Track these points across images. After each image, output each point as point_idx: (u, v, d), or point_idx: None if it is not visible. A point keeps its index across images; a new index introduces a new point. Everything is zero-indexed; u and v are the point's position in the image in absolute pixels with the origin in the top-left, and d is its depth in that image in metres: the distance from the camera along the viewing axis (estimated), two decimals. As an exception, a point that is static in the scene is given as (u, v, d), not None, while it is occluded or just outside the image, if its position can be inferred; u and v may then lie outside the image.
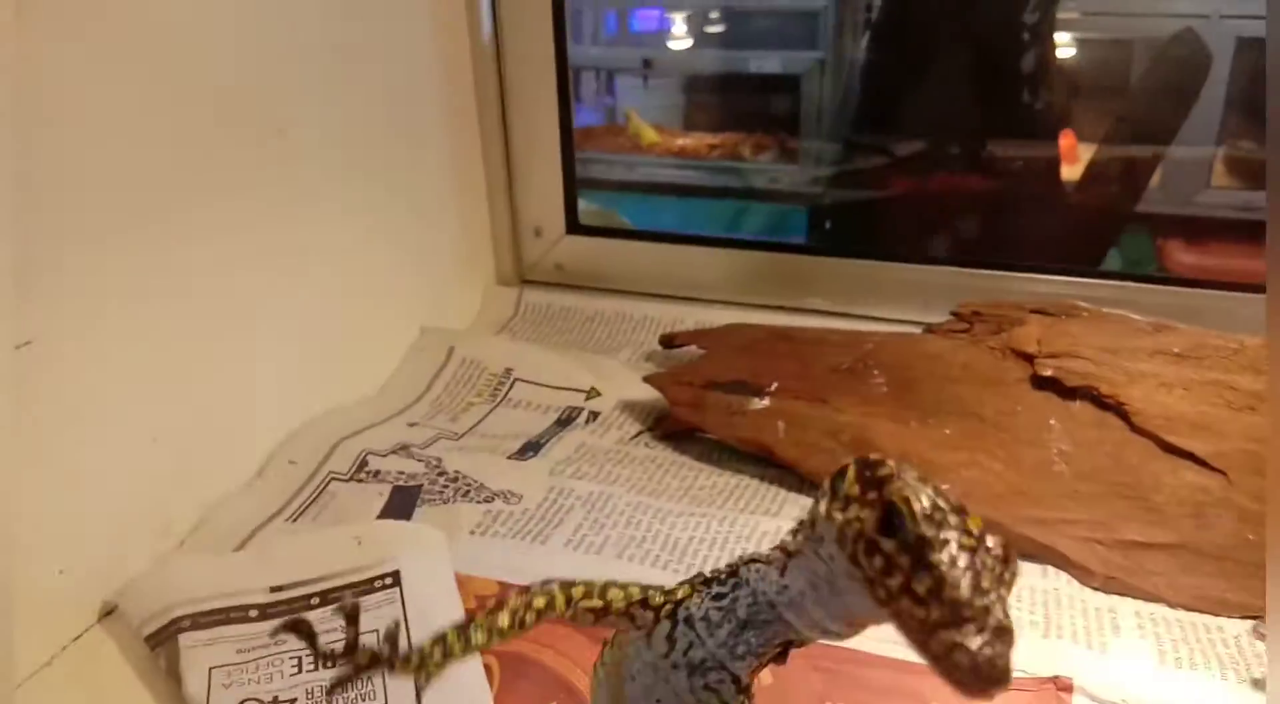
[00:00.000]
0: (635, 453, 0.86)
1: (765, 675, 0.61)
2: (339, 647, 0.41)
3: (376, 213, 0.95)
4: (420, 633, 0.61)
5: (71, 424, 0.64)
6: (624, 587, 0.43)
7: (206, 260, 0.74)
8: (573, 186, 1.16)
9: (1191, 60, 1.42)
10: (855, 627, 0.37)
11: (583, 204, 1.18)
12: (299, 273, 0.84)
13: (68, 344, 0.64)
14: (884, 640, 0.62)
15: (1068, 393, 0.75)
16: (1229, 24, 1.45)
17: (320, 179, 0.87)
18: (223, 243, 0.76)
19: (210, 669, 0.60)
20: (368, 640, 0.40)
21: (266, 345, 0.82)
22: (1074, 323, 0.81)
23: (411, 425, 0.91)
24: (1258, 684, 0.59)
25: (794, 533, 0.39)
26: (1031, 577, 0.69)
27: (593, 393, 0.97)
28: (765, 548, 0.71)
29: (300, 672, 0.61)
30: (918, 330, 0.91)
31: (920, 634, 0.30)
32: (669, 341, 0.97)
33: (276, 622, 0.40)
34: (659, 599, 0.42)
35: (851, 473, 0.33)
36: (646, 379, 0.91)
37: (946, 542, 0.30)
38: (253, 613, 0.64)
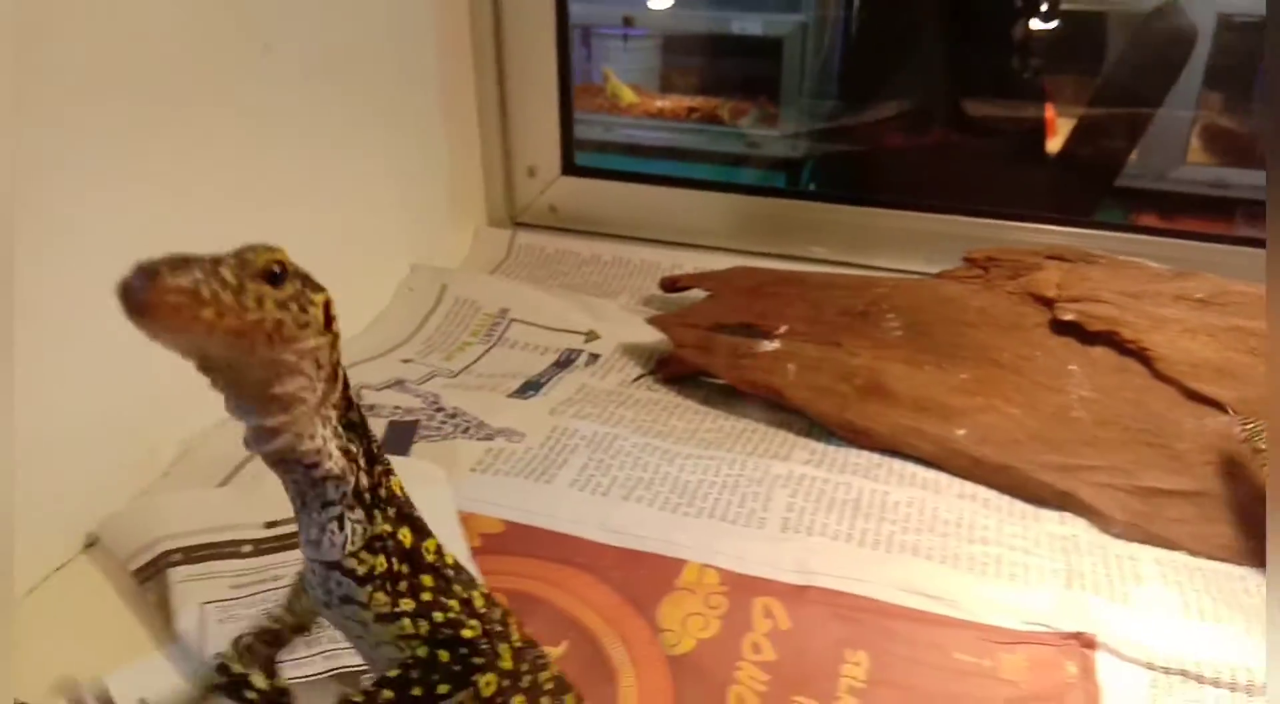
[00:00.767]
0: (638, 395, 0.84)
1: (784, 620, 0.59)
2: None
3: (364, 145, 0.91)
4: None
5: (52, 345, 0.60)
6: None
7: (188, 178, 0.70)
8: (569, 125, 1.12)
9: (1175, 35, 1.40)
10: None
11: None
12: (283, 201, 0.80)
13: (49, 259, 0.59)
14: (907, 591, 0.61)
15: (1088, 338, 0.73)
16: (1210, 0, 1.43)
17: (306, 103, 0.82)
18: (206, 159, 0.71)
19: (203, 605, 0.57)
20: None
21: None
22: (1093, 268, 0.79)
23: (405, 362, 0.87)
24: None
25: None
26: (1049, 523, 0.68)
27: (591, 336, 0.94)
28: (776, 493, 0.69)
29: (298, 606, 0.57)
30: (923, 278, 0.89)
31: None
32: (671, 285, 0.94)
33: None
34: None
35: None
36: (650, 321, 0.88)
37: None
38: (245, 548, 0.61)
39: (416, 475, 0.67)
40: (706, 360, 0.81)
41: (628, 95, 2.08)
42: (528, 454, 0.74)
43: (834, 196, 1.08)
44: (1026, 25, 1.41)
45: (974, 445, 0.71)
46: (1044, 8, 1.42)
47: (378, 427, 0.76)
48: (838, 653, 0.57)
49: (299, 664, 0.54)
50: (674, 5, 2.23)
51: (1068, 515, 0.68)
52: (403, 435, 0.75)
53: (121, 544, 0.61)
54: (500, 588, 0.60)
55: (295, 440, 0.36)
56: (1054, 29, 1.50)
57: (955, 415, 0.73)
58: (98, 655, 0.54)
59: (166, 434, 0.71)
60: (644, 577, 0.62)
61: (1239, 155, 1.49)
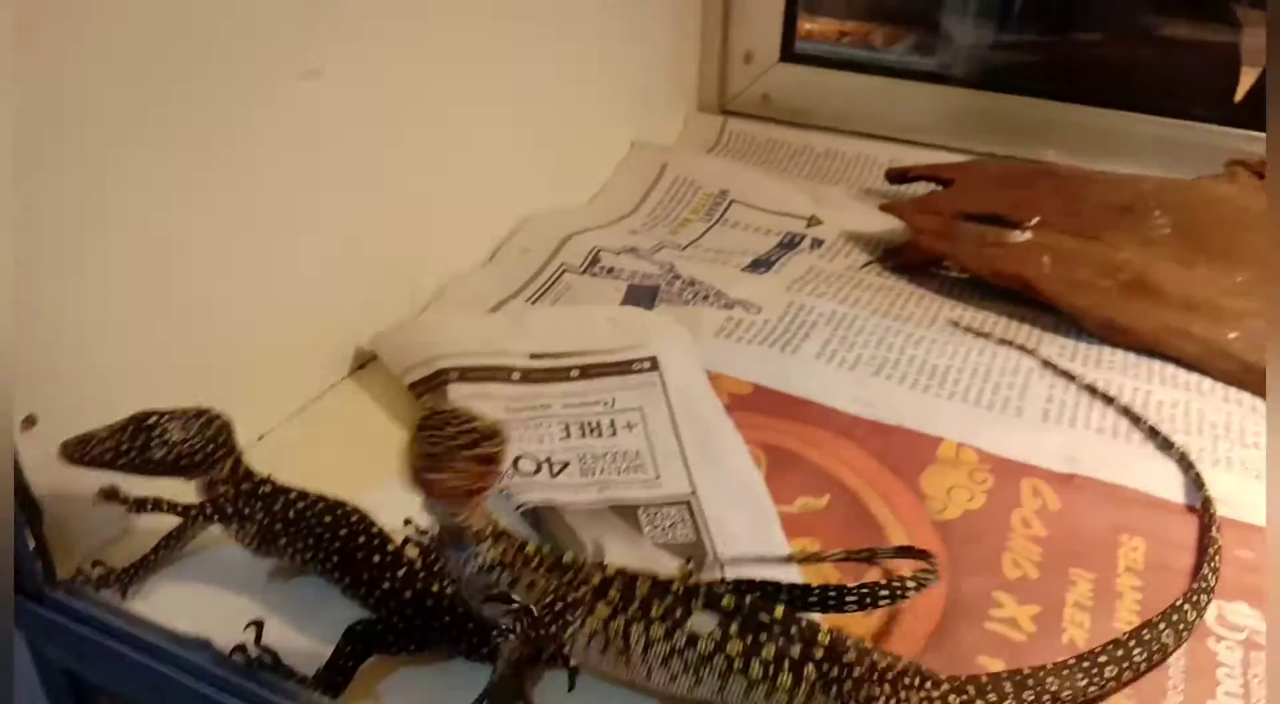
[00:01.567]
0: (869, 280, 0.82)
1: (1053, 501, 0.57)
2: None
3: (588, 23, 0.89)
4: (684, 421, 0.59)
5: (343, 169, 0.62)
6: None
7: (430, 54, 0.70)
8: (793, 9, 1.09)
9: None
10: None
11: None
12: (513, 76, 0.79)
13: (351, 82, 0.61)
14: (1179, 488, 0.57)
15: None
16: None
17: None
18: (445, 35, 0.71)
19: (481, 423, 0.59)
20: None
21: (495, 137, 0.78)
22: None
23: (633, 233, 0.87)
24: None
25: None
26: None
27: (814, 221, 0.92)
28: (1033, 384, 0.67)
29: (569, 437, 0.59)
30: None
31: None
32: (901, 175, 0.91)
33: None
34: None
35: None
36: (885, 207, 0.86)
37: None
38: (515, 375, 0.63)
39: (668, 330, 0.68)
40: (948, 248, 0.79)
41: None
42: (767, 326, 0.73)
43: (1072, 95, 1.02)
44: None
45: (1247, 350, 0.67)
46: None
47: (619, 287, 0.77)
48: (1113, 536, 0.56)
49: (577, 491, 0.55)
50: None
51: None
52: (644, 297, 0.75)
53: (399, 358, 0.63)
54: (757, 441, 0.60)
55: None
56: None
57: (1227, 318, 0.69)
58: (368, 469, 0.57)
59: (427, 274, 0.73)
60: (901, 448, 0.61)
61: None
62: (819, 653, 0.41)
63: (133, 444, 0.44)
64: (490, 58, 0.75)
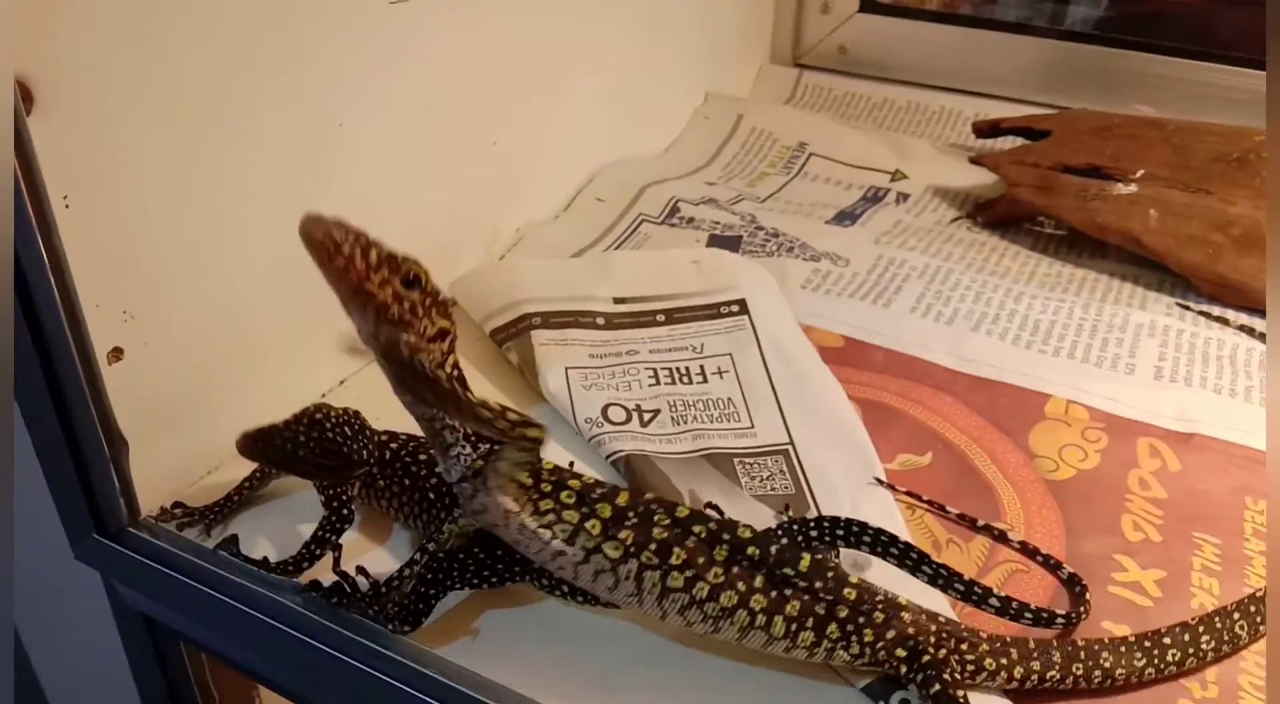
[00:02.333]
0: (960, 235, 0.78)
1: (1173, 462, 0.54)
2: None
3: None
4: (777, 367, 0.56)
5: (423, 107, 0.60)
6: None
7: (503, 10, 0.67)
8: (875, -43, 1.04)
9: None
10: None
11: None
12: (585, 27, 0.76)
13: (437, 18, 0.58)
14: None
15: None
16: None
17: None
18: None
19: (566, 369, 0.56)
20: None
21: (569, 86, 0.75)
22: None
23: (709, 184, 0.84)
24: None
25: None
26: None
27: (898, 175, 0.88)
28: (1143, 341, 0.63)
29: (658, 383, 0.57)
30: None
31: None
32: (990, 128, 0.87)
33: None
34: None
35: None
36: (976, 159, 0.82)
37: None
38: (599, 320, 0.60)
39: (755, 273, 0.65)
40: (1047, 201, 0.75)
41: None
42: (856, 278, 0.70)
43: (1169, 48, 0.97)
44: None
45: (1375, 311, 0.63)
46: None
47: (699, 238, 0.74)
48: (1238, 498, 0.52)
49: (670, 440, 0.53)
50: None
51: None
52: (726, 248, 0.72)
53: (480, 304, 0.61)
54: (851, 395, 0.57)
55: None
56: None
57: (1352, 276, 0.64)
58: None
59: (505, 221, 0.71)
60: (1006, 404, 0.58)
61: None
62: (843, 611, 0.39)
63: (309, 437, 0.43)
64: (568, 5, 0.72)
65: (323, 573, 0.44)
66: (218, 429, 0.51)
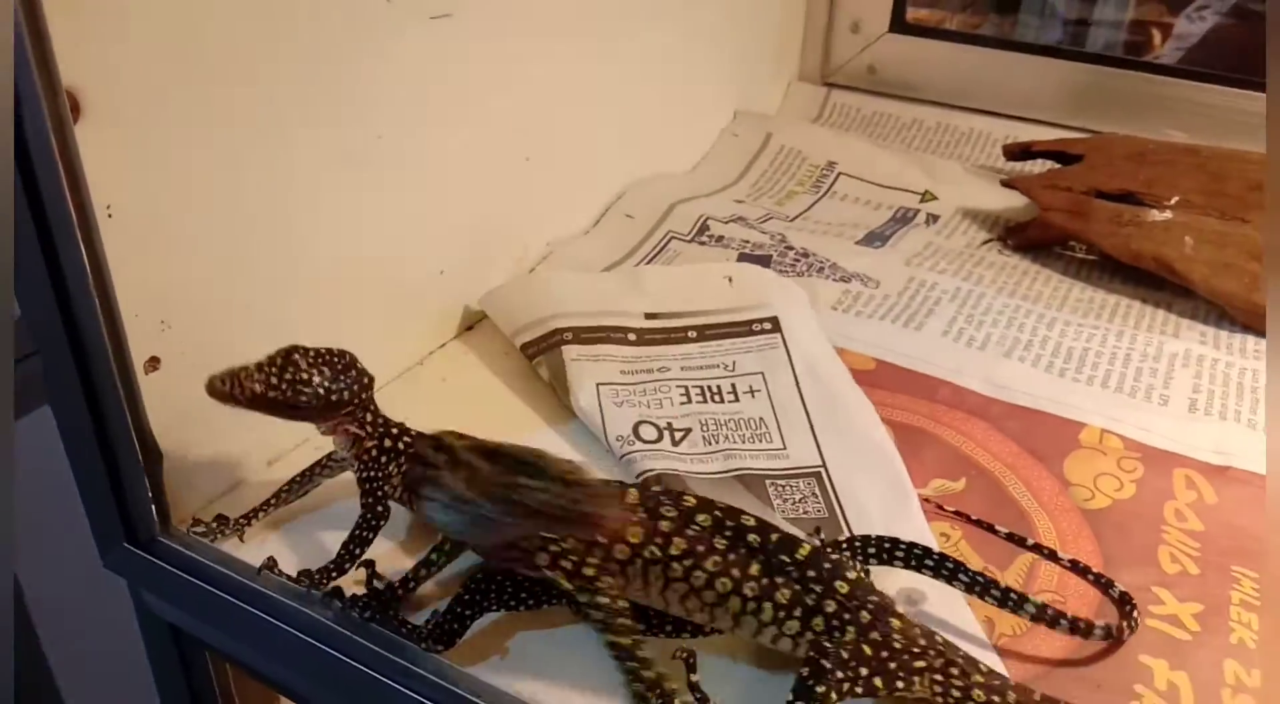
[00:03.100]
0: (990, 258, 0.78)
1: (1209, 494, 0.53)
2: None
3: None
4: (809, 387, 0.56)
5: (457, 122, 0.60)
6: None
7: (561, 19, 0.67)
8: (906, -23, 1.04)
9: None
10: None
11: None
12: (616, 42, 0.76)
13: (472, 36, 0.59)
14: None
15: None
16: None
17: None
18: (572, 7, 0.69)
19: (598, 385, 0.56)
20: None
21: (600, 102, 0.75)
22: None
23: (738, 202, 0.84)
24: None
25: None
26: None
27: (927, 196, 0.88)
28: (1177, 372, 0.62)
29: (689, 401, 0.56)
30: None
31: None
32: (1022, 151, 0.87)
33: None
34: None
35: None
36: (1008, 182, 0.82)
37: None
38: (630, 336, 0.60)
39: (788, 290, 0.65)
40: (1080, 226, 0.75)
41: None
42: (886, 300, 0.70)
43: (1201, 74, 0.96)
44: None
45: None
46: None
47: (729, 256, 0.74)
48: (1276, 533, 0.51)
49: (701, 460, 0.53)
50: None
51: None
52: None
53: (511, 317, 0.61)
54: (887, 420, 0.57)
55: None
56: None
57: (1393, 309, 0.63)
58: (477, 430, 0.55)
59: (535, 236, 0.71)
60: (1041, 432, 0.58)
61: None
62: (830, 605, 0.38)
63: (281, 378, 0.42)
64: (599, 23, 0.72)
65: (346, 584, 0.44)
66: (248, 441, 0.51)
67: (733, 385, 0.57)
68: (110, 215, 0.41)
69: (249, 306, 0.50)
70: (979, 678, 0.39)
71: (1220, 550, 0.50)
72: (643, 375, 0.58)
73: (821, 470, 0.52)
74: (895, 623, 0.39)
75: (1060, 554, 0.48)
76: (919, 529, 0.49)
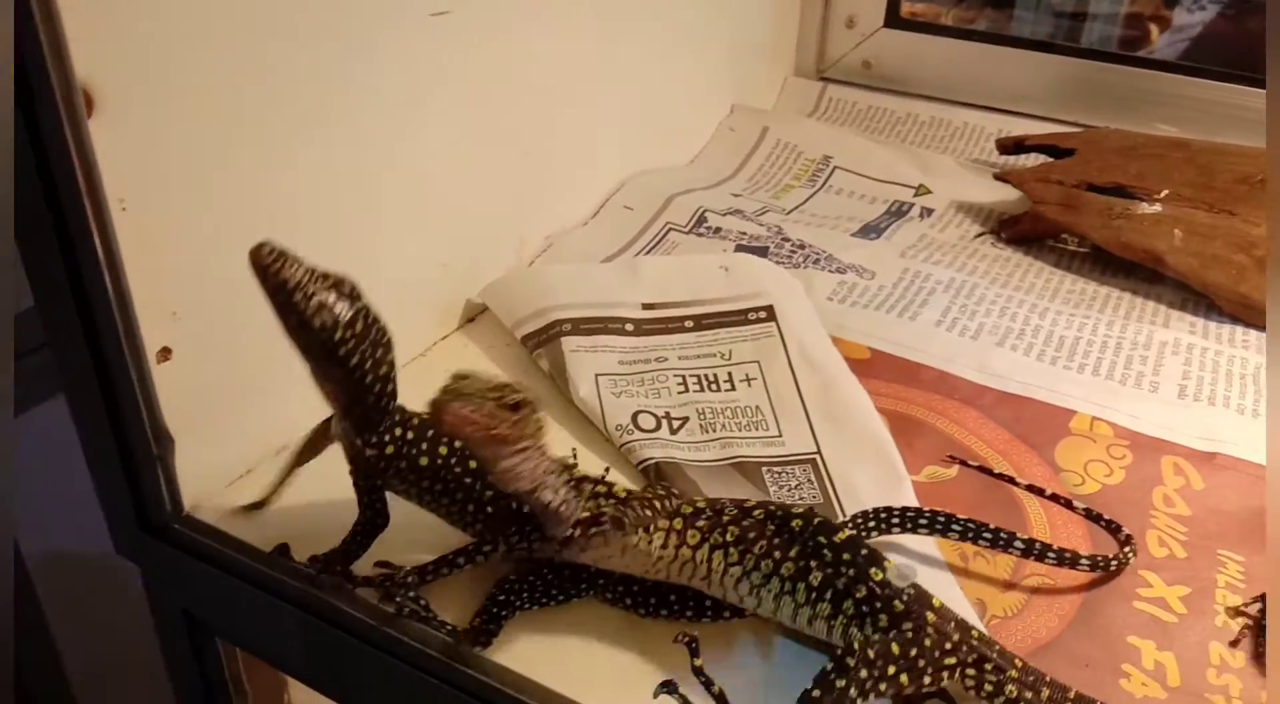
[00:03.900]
0: (985, 251, 0.79)
1: (1196, 480, 0.54)
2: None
3: None
4: (805, 375, 0.57)
5: (456, 116, 0.61)
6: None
7: (560, 13, 0.68)
8: (901, -28, 1.05)
9: None
10: None
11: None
12: (615, 36, 0.77)
13: (471, 32, 0.60)
14: None
15: None
16: None
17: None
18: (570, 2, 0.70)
19: (597, 376, 0.57)
20: None
21: (598, 96, 0.75)
22: None
23: (735, 195, 0.85)
24: None
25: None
26: None
27: (922, 190, 0.89)
28: (1167, 359, 0.64)
29: (686, 391, 0.57)
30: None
31: None
32: (1014, 145, 0.88)
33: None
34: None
35: None
36: (1001, 176, 0.83)
37: None
38: (628, 326, 0.61)
39: (784, 280, 0.66)
40: (1071, 219, 0.76)
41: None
42: (882, 291, 0.71)
43: (1192, 69, 0.98)
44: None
45: (1399, 334, 0.63)
46: None
47: (726, 248, 0.75)
48: (1261, 518, 0.53)
49: (698, 448, 0.54)
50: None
51: None
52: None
53: (511, 310, 0.62)
54: (881, 409, 0.58)
55: None
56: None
57: (1378, 300, 0.65)
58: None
59: (534, 228, 0.72)
60: (1032, 419, 0.59)
61: None
62: (861, 591, 0.40)
63: (321, 287, 0.40)
64: (597, 19, 0.73)
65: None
66: (258, 429, 0.52)
67: (729, 374, 0.58)
68: (124, 209, 0.42)
69: (257, 298, 0.50)
70: (1014, 673, 0.39)
71: (1206, 535, 0.51)
72: (640, 365, 0.59)
73: (817, 457, 0.53)
74: (930, 616, 0.39)
75: (1048, 491, 0.51)
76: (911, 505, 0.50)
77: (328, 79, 0.51)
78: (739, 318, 0.62)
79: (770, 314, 0.62)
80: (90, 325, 0.44)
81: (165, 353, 0.46)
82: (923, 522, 0.47)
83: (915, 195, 0.88)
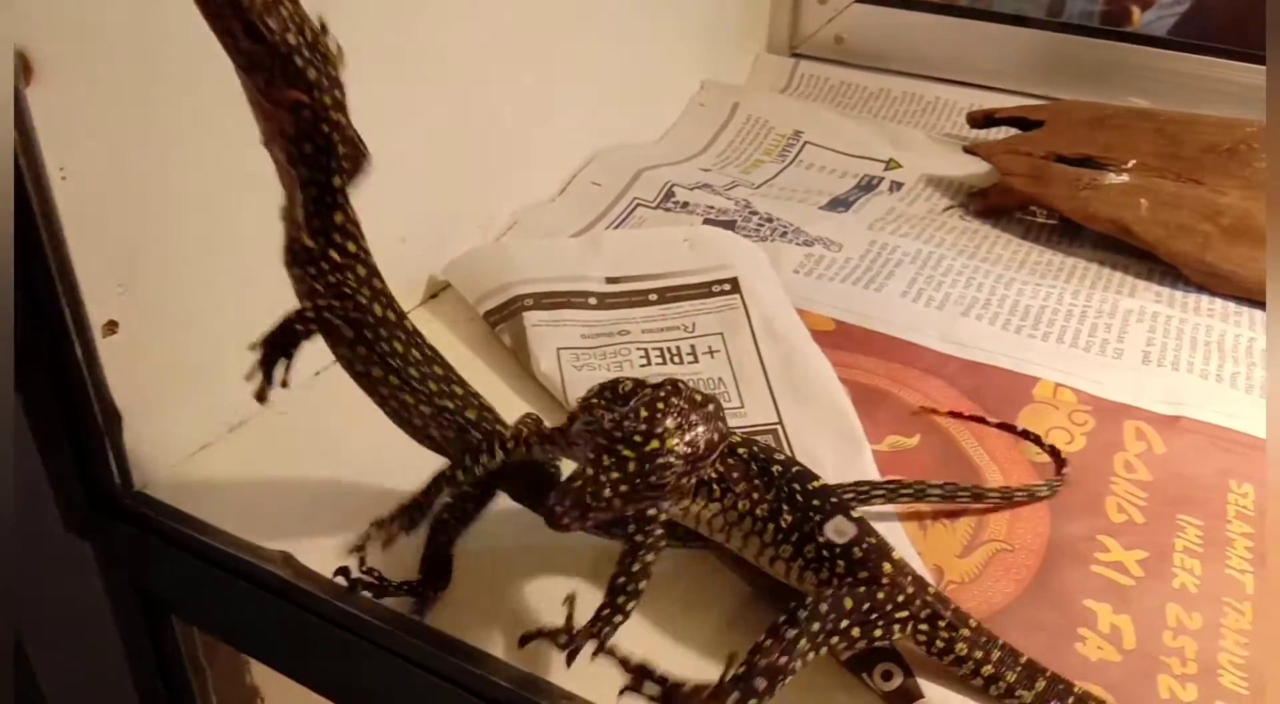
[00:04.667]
0: (953, 223, 0.79)
1: (1158, 444, 0.55)
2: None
3: None
4: (767, 346, 0.57)
5: (422, 89, 0.60)
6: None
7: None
8: (872, -53, 1.04)
9: None
10: None
11: None
12: (590, 12, 0.76)
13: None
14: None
15: None
16: None
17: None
18: None
19: (558, 350, 0.57)
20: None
21: (566, 72, 0.75)
22: None
23: (704, 171, 0.85)
24: None
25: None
26: None
27: (892, 164, 0.89)
28: (1131, 326, 0.64)
29: (649, 363, 0.57)
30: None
31: None
32: (984, 118, 0.88)
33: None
34: None
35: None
36: (970, 149, 0.82)
37: None
38: (591, 301, 0.61)
39: (748, 251, 0.66)
40: (1040, 190, 0.76)
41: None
42: (849, 263, 0.71)
43: (1166, 42, 0.97)
44: None
45: (1361, 300, 0.63)
46: None
47: (694, 222, 0.74)
48: (1221, 481, 0.53)
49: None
50: None
51: None
52: (720, 232, 0.73)
53: (473, 285, 0.61)
54: (845, 379, 0.58)
55: None
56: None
57: (1341, 266, 0.65)
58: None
59: (500, 204, 0.71)
60: (995, 387, 0.59)
61: None
62: (822, 538, 0.40)
63: None
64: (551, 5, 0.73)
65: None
66: (211, 405, 0.51)
67: (692, 346, 0.58)
68: (64, 177, 0.42)
69: (207, 271, 0.50)
70: (966, 631, 0.40)
71: (1167, 499, 0.51)
72: (603, 339, 0.58)
73: (779, 427, 0.53)
74: (886, 567, 0.39)
75: (1004, 423, 0.55)
76: (871, 475, 0.50)
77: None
78: (703, 290, 0.62)
79: (734, 286, 0.62)
80: (33, 298, 0.43)
81: (112, 326, 0.45)
82: (905, 492, 0.48)
83: (885, 169, 0.88)
